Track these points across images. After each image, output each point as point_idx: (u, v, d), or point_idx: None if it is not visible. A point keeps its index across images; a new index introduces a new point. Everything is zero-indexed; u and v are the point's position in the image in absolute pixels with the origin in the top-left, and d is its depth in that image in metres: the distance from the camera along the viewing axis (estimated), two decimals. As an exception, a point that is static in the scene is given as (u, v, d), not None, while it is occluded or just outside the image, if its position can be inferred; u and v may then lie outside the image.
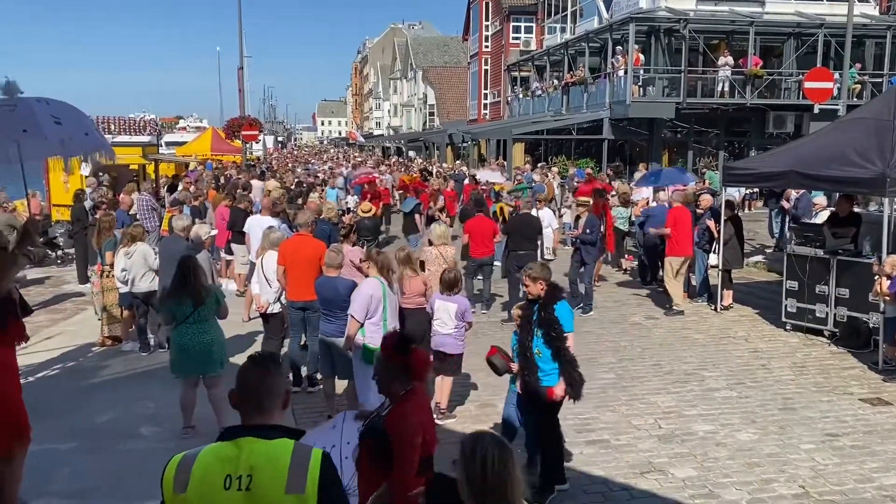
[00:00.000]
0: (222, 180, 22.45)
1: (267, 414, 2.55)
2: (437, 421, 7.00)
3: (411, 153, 51.52)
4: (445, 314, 7.02)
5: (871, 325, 9.14)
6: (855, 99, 22.47)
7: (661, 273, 13.30)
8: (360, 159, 45.27)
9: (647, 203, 14.30)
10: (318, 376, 7.58)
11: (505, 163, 27.87)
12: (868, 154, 8.75)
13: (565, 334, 5.53)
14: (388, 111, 77.99)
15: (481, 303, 11.48)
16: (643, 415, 7.35)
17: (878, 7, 26.40)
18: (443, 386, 7.16)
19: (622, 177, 21.39)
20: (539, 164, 25.74)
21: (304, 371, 8.02)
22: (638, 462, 6.30)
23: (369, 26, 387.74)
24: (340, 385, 7.31)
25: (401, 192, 21.26)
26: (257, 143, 39.38)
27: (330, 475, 2.50)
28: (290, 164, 41.75)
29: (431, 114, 57.57)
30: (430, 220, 13.01)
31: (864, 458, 6.33)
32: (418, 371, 3.68)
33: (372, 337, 6.39)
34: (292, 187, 19.44)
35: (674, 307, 11.34)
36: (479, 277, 11.70)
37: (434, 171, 26.70)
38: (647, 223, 12.57)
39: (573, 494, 5.75)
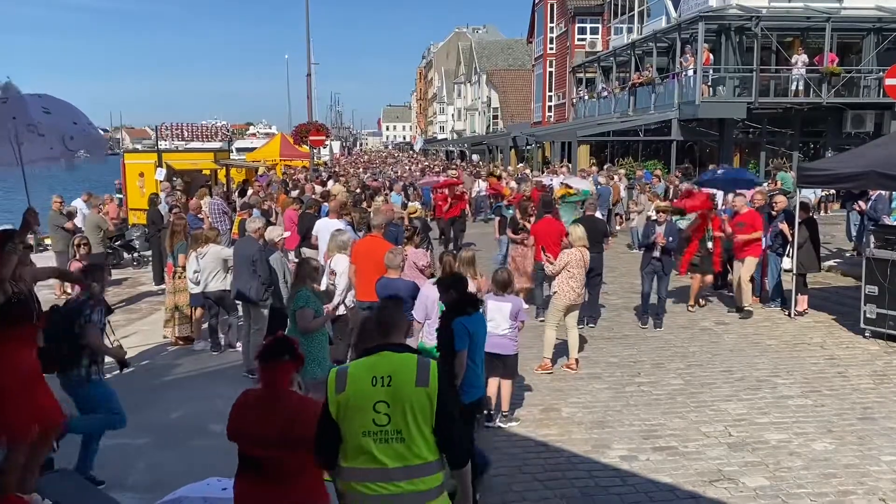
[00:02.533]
0: (290, 185, 22.94)
1: (394, 337, 3.59)
2: (499, 424, 7.01)
3: (475, 157, 51.53)
4: (500, 315, 6.95)
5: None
6: (941, 96, 21.37)
7: (730, 276, 12.96)
8: (426, 163, 45.54)
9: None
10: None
11: (570, 165, 27.60)
12: (955, 152, 8.34)
13: (457, 351, 5.28)
14: (452, 115, 78.32)
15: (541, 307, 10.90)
16: (712, 422, 7.15)
17: (966, -1, 25.09)
18: (502, 390, 7.12)
19: (691, 179, 20.87)
20: (605, 166, 25.39)
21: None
22: (707, 470, 6.13)
23: (434, 31, 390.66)
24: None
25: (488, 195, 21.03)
26: (324, 148, 40.09)
27: (445, 376, 3.54)
28: (360, 168, 42.35)
29: (495, 117, 57.47)
30: (515, 224, 12.86)
31: (951, 472, 6.01)
32: None
33: (428, 337, 6.51)
34: (356, 191, 19.69)
35: (746, 308, 11.12)
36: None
37: (518, 175, 26.55)
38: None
39: (639, 500, 5.65)
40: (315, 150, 29.94)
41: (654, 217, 10.98)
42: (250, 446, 3.76)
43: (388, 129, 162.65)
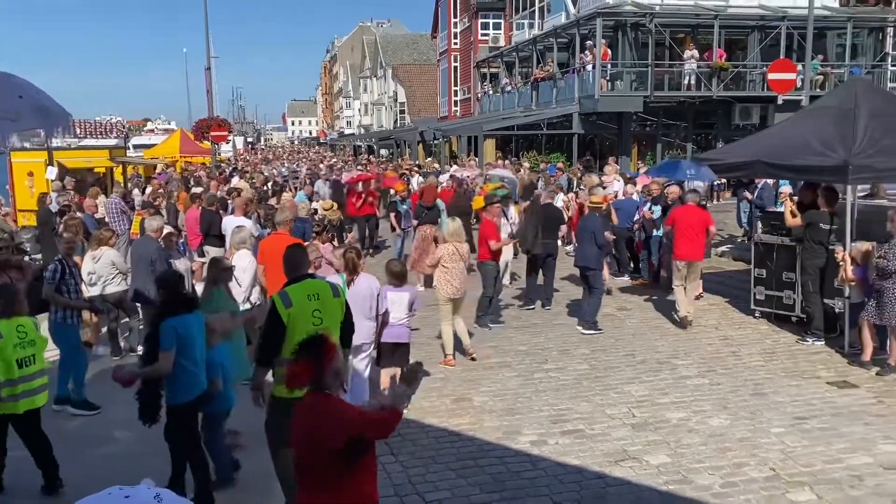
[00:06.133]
0: (192, 182, 22.26)
1: (305, 269, 5.30)
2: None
3: (383, 151, 51.37)
4: (399, 305, 7.11)
5: (836, 311, 9.32)
6: (818, 90, 22.80)
7: (631, 265, 13.49)
8: (335, 160, 44.93)
9: (616, 196, 14.41)
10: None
11: (476, 159, 27.94)
12: (831, 143, 8.89)
13: (161, 351, 5.21)
14: (359, 110, 77.72)
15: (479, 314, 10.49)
16: (617, 404, 7.43)
17: (838, -1, 26.87)
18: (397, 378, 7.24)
19: (592, 171, 21.50)
20: (509, 159, 25.87)
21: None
22: (612, 450, 6.37)
23: (338, 25, 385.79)
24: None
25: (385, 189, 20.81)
26: (227, 143, 39.07)
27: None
28: (270, 163, 41.38)
29: (402, 112, 57.42)
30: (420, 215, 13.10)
31: (832, 439, 6.47)
32: None
33: None
34: (263, 187, 19.30)
35: (678, 313, 10.37)
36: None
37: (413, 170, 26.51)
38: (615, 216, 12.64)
39: (549, 483, 5.81)
40: (217, 146, 29.14)
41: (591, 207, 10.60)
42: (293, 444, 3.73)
43: (293, 123, 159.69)
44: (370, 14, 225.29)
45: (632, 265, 13.57)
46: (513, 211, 13.08)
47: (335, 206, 13.59)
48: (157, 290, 5.89)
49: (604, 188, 14.56)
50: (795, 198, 10.25)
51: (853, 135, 8.76)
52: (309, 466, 3.57)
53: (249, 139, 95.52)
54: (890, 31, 26.64)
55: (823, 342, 9.17)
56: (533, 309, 11.38)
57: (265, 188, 19.26)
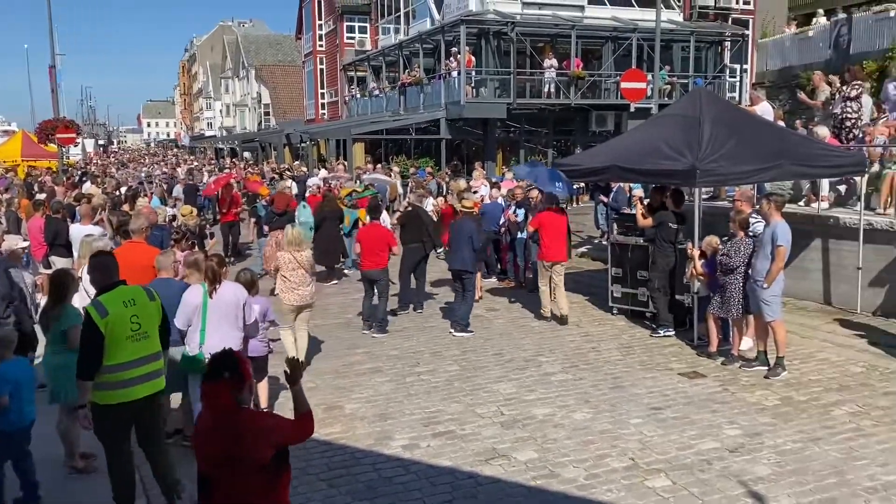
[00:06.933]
0: (36, 188, 20.69)
1: (117, 276, 5.19)
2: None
3: (246, 154, 49.88)
4: None
5: (686, 305, 9.95)
6: (666, 98, 24.33)
7: (498, 266, 13.81)
8: (196, 164, 43.08)
9: (482, 200, 14.70)
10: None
11: (346, 163, 27.70)
12: (679, 148, 9.47)
13: None
14: (221, 111, 75.10)
15: (376, 324, 10.34)
16: (486, 403, 7.58)
17: (682, 14, 28.79)
18: (259, 390, 7.06)
19: (460, 176, 21.89)
20: (379, 164, 25.84)
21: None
22: (483, 449, 6.49)
23: (197, 24, 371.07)
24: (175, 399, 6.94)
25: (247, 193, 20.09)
26: (75, 146, 36.64)
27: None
28: (126, 167, 39.11)
29: (267, 113, 56.04)
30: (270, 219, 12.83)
31: (684, 427, 6.89)
32: None
33: (190, 344, 6.31)
34: (116, 193, 18.22)
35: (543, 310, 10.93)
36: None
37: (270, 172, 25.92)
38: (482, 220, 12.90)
39: (421, 487, 5.84)
40: (64, 149, 27.26)
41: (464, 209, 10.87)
42: (201, 463, 3.64)
43: (149, 125, 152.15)
44: (231, 13, 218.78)
45: (499, 267, 13.90)
46: (385, 215, 13.10)
47: (194, 211, 13.05)
48: None
49: (475, 192, 14.90)
50: (647, 200, 10.82)
51: (699, 141, 9.34)
52: (229, 491, 3.53)
53: (101, 141, 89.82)
54: (727, 44, 28.88)
55: (673, 333, 9.78)
56: (407, 312, 11.42)
57: (117, 193, 18.16)
